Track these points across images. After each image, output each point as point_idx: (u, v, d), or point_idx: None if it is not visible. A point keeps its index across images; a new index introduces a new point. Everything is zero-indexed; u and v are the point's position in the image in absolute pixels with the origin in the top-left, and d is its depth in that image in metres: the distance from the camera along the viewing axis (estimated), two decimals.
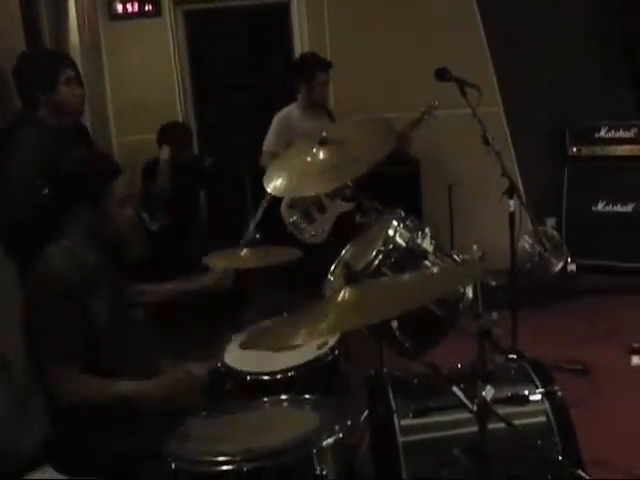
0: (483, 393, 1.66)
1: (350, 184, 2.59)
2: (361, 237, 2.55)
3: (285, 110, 4.40)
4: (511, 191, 3.31)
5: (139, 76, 5.14)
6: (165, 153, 4.34)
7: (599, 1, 5.03)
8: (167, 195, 4.23)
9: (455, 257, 2.34)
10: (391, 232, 2.27)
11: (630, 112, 5.10)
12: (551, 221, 4.99)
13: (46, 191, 2.48)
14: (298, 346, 2.34)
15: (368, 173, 2.26)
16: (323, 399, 2.05)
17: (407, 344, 1.76)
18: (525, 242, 4.21)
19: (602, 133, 4.97)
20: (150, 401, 2.21)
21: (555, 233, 4.72)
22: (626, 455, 2.76)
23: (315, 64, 4.32)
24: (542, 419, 2.04)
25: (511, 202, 3.33)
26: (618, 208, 4.88)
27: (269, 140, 4.28)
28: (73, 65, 3.12)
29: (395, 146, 3.87)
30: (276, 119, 4.35)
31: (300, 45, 5.28)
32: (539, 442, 1.97)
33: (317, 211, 4.18)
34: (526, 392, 2.08)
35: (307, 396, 2.08)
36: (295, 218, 4.18)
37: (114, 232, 2.33)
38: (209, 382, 2.30)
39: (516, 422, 1.92)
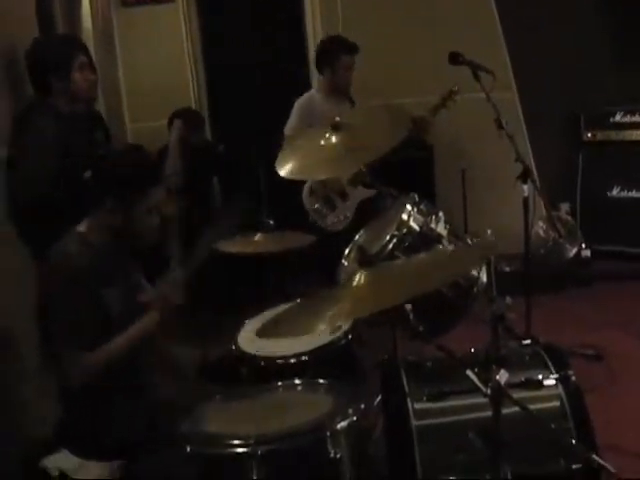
0: (497, 377, 1.66)
1: (367, 170, 2.60)
2: (375, 221, 2.55)
3: (306, 95, 4.37)
4: (525, 176, 3.28)
5: (152, 62, 5.14)
6: (174, 134, 4.33)
7: None
8: (177, 179, 4.22)
9: (469, 241, 2.33)
10: (405, 216, 2.27)
11: None
12: (565, 206, 4.95)
13: (88, 175, 2.46)
14: (313, 332, 2.34)
15: (383, 159, 2.25)
16: (337, 383, 2.06)
17: (421, 328, 1.75)
18: (539, 227, 4.19)
19: (617, 118, 4.92)
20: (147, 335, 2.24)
21: (569, 218, 4.70)
22: (638, 439, 2.75)
23: (340, 46, 4.26)
24: (556, 404, 2.04)
25: (525, 187, 3.31)
26: (633, 193, 4.85)
27: (291, 124, 4.25)
28: (86, 51, 3.12)
29: (415, 132, 3.91)
30: (297, 104, 4.33)
31: (312, 28, 5.25)
32: (553, 426, 1.96)
33: (338, 198, 4.16)
34: (540, 377, 2.07)
35: (321, 380, 2.09)
36: (317, 205, 4.17)
37: (133, 234, 2.30)
38: (222, 366, 2.32)
39: (530, 406, 1.91)
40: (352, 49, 4.25)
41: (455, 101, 4.03)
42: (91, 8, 4.32)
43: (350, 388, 2.04)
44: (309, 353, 2.35)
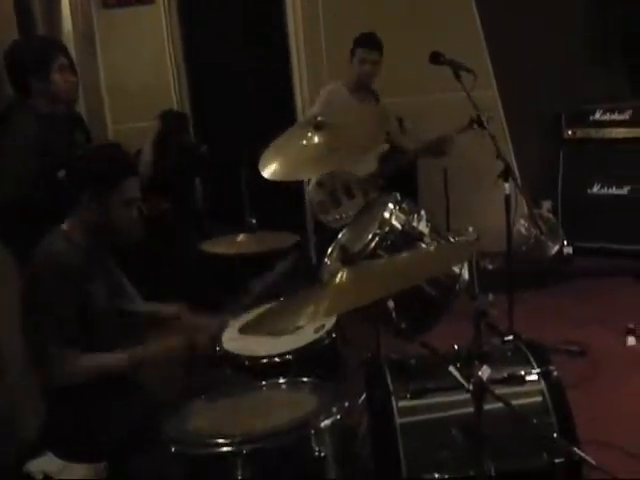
0: (479, 373, 1.67)
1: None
2: (357, 220, 2.56)
3: (335, 85, 4.36)
4: (506, 174, 3.31)
5: (133, 63, 5.12)
6: (150, 136, 4.31)
7: None
8: (150, 176, 4.17)
9: (450, 239, 2.34)
10: (387, 215, 2.28)
11: (625, 94, 5.09)
12: (547, 204, 4.99)
13: (62, 174, 2.46)
14: (296, 330, 2.35)
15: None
16: (321, 382, 2.06)
17: (403, 325, 1.76)
18: (521, 225, 4.22)
19: (597, 116, 4.96)
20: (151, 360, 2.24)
21: (551, 216, 4.74)
22: (622, 434, 2.78)
23: (358, 40, 4.26)
24: (538, 399, 2.06)
25: (506, 185, 3.33)
26: (614, 190, 4.89)
27: (311, 111, 4.21)
28: (66, 52, 3.11)
29: (437, 149, 3.92)
30: (324, 91, 4.33)
31: (294, 28, 5.26)
32: (535, 421, 1.98)
33: (345, 195, 4.15)
34: (522, 372, 2.09)
35: (305, 379, 2.09)
36: (322, 198, 4.16)
37: (113, 229, 2.30)
38: (207, 366, 2.32)
39: (513, 402, 1.93)
40: (368, 43, 4.24)
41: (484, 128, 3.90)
42: (71, 9, 4.30)
43: (334, 387, 2.05)
44: (293, 352, 2.35)
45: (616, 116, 4.90)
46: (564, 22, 4.97)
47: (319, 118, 2.28)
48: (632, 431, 2.84)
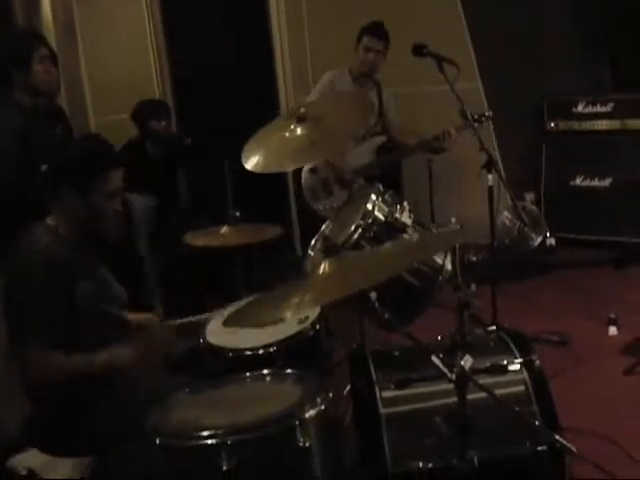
0: (462, 362, 1.68)
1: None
2: (341, 211, 2.56)
3: (337, 71, 4.35)
4: (489, 166, 3.32)
5: (115, 55, 5.08)
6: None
7: None
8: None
9: (433, 230, 2.35)
10: (370, 206, 2.28)
11: (607, 87, 5.12)
12: (530, 196, 5.02)
13: (44, 168, 2.44)
14: (280, 322, 2.35)
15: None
16: (305, 373, 2.06)
17: (386, 316, 1.76)
18: (504, 217, 4.24)
19: (579, 108, 5.00)
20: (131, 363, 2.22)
21: (534, 207, 4.77)
22: (604, 423, 2.81)
23: (365, 28, 4.26)
24: (521, 388, 2.08)
25: (489, 177, 3.35)
26: (596, 182, 4.93)
27: (312, 96, 4.24)
28: (46, 44, 3.08)
29: (436, 146, 3.92)
30: (326, 76, 4.32)
31: (277, 22, 5.24)
32: (518, 410, 2.00)
33: (337, 184, 4.13)
34: (505, 362, 2.11)
35: (289, 370, 2.09)
36: (313, 184, 4.13)
37: (97, 222, 2.27)
38: (190, 359, 2.31)
39: (495, 391, 1.94)
40: (375, 32, 4.23)
41: (484, 126, 3.90)
42: (52, 0, 4.26)
43: (318, 378, 2.05)
44: (277, 344, 2.35)
45: (598, 108, 4.93)
46: (549, 14, 4.99)
47: (302, 110, 2.27)
48: (614, 419, 2.87)
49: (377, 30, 4.26)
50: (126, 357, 2.23)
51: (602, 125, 4.93)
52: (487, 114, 3.85)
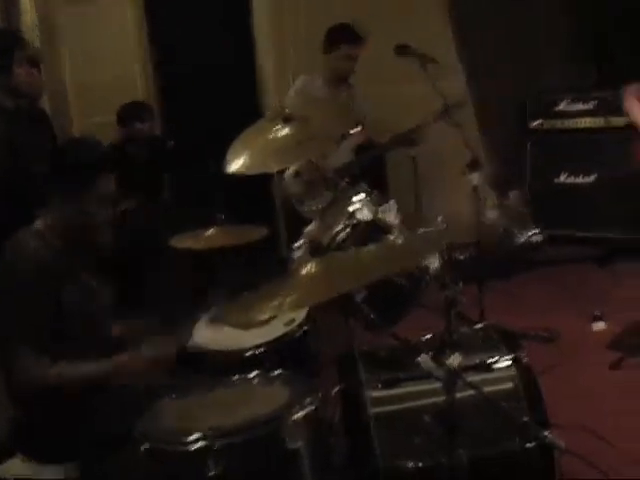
0: (450, 361, 1.68)
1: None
2: (327, 212, 2.56)
3: (308, 76, 4.31)
4: (474, 164, 3.33)
5: (98, 57, 5.05)
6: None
7: None
8: None
9: (420, 230, 2.35)
10: (355, 207, 2.28)
11: (590, 85, 5.15)
12: (515, 193, 5.03)
13: (36, 170, 2.41)
14: (267, 323, 2.34)
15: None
16: (293, 375, 2.05)
17: (373, 316, 1.76)
18: (490, 214, 4.26)
19: (562, 106, 5.02)
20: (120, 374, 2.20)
21: (519, 205, 4.78)
22: (592, 418, 2.82)
23: (343, 36, 4.19)
24: (509, 385, 2.08)
25: (474, 175, 3.35)
26: (580, 179, 4.95)
27: (289, 99, 4.20)
28: (27, 45, 3.06)
29: (408, 139, 3.90)
30: (299, 81, 4.29)
31: (260, 22, 5.23)
32: (507, 407, 2.00)
33: (321, 185, 4.06)
34: (493, 359, 2.11)
35: (277, 372, 2.08)
36: (299, 188, 4.09)
37: (87, 227, 2.24)
38: (178, 361, 2.29)
39: (484, 388, 1.95)
40: (354, 39, 4.17)
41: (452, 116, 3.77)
42: (35, 2, 4.23)
43: (306, 379, 2.04)
44: (264, 346, 2.34)
45: (581, 106, 4.95)
46: (532, 14, 5.00)
47: (287, 110, 2.26)
48: (601, 415, 2.88)
49: (354, 36, 4.19)
50: (142, 360, 2.20)
51: (585, 123, 4.95)
52: (457, 102, 3.77)
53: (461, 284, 1.90)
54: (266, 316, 1.99)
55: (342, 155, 4.17)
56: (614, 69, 4.75)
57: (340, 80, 4.31)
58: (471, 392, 1.88)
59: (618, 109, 4.76)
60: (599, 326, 3.73)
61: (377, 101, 4.47)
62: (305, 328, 2.45)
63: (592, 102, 4.91)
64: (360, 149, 4.33)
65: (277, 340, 2.37)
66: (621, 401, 3.02)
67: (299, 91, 4.23)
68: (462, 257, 4.24)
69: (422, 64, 3.31)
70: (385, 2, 4.93)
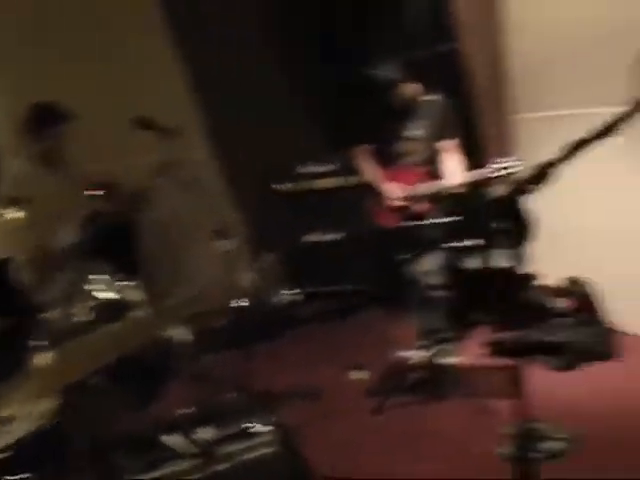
0: (203, 435, 1.66)
1: None
2: (63, 294, 2.44)
3: (17, 160, 3.89)
4: (221, 231, 3.37)
5: None
6: None
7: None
8: None
9: (166, 302, 2.33)
10: (94, 287, 2.21)
11: (332, 148, 5.49)
12: (268, 255, 5.18)
13: None
14: (8, 422, 2.14)
15: None
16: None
17: (128, 397, 1.69)
18: (243, 278, 4.31)
19: (306, 169, 5.30)
20: None
21: (272, 266, 4.92)
22: (364, 461, 2.91)
23: (41, 116, 3.71)
24: (269, 450, 2.09)
25: (223, 242, 3.39)
26: (329, 236, 5.23)
27: (6, 184, 3.79)
28: None
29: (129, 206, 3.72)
30: (12, 166, 3.91)
31: None
32: (269, 472, 2.01)
33: (56, 270, 3.66)
34: (252, 426, 2.12)
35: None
36: (33, 276, 3.70)
37: None
38: None
39: (244, 456, 1.94)
40: (56, 119, 3.72)
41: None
42: None
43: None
44: (14, 445, 2.13)
45: (322, 168, 5.27)
46: (275, 85, 5.27)
47: (12, 194, 2.14)
48: (376, 455, 3.00)
49: (60, 115, 3.75)
50: None
51: (328, 183, 5.26)
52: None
53: (220, 351, 1.89)
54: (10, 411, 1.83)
55: (67, 234, 3.89)
56: (345, 135, 5.14)
57: (55, 158, 4.06)
58: (232, 462, 1.87)
59: (353, 169, 5.18)
60: (358, 375, 3.90)
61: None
62: (59, 418, 2.27)
63: (333, 164, 5.24)
64: (85, 224, 4.07)
65: (26, 437, 2.17)
66: (383, 443, 3.17)
67: (17, 175, 3.94)
68: (216, 324, 4.20)
69: (162, 137, 3.29)
70: (113, 72, 4.84)
